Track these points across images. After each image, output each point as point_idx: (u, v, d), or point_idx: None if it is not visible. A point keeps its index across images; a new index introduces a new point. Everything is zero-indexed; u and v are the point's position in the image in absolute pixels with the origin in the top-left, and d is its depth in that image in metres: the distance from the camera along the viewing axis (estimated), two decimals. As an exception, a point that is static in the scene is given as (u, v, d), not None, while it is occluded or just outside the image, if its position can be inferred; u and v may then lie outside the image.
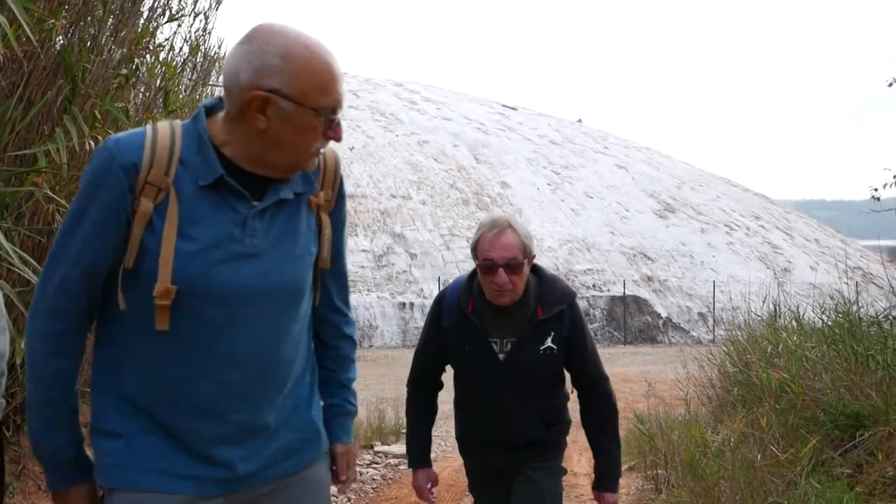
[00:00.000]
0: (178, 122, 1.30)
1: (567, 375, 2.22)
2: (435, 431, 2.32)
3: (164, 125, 1.28)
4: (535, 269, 2.14)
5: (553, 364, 2.10)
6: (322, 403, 1.47)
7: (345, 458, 1.50)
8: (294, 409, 1.37)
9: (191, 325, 1.24)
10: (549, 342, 2.06)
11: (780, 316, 6.03)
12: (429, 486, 2.18)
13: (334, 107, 1.27)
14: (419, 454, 2.20)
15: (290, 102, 1.23)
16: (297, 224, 1.35)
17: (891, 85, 6.10)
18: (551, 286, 2.11)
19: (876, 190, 6.31)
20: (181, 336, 1.24)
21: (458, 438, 2.28)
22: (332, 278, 1.49)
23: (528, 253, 2.02)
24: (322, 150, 1.38)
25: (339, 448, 1.49)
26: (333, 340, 1.51)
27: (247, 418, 1.29)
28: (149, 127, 1.27)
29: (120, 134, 1.28)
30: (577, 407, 2.19)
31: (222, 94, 1.29)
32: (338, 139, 1.31)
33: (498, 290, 2.00)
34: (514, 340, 2.06)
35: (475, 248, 2.04)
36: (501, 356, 2.06)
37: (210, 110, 1.31)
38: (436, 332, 2.15)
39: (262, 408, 1.31)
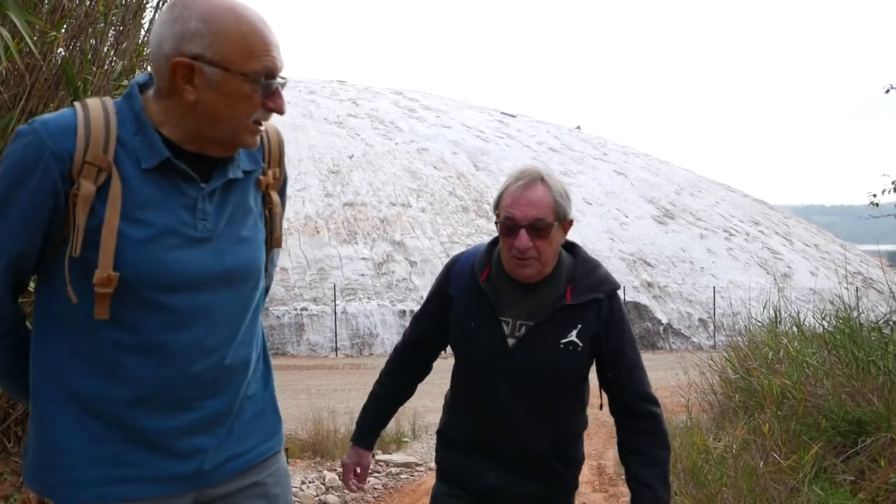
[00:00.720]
0: (109, 100, 1.20)
1: (595, 395, 1.77)
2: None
3: (94, 102, 1.18)
4: (573, 248, 1.77)
5: (575, 366, 1.67)
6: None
7: None
8: (255, 394, 1.34)
9: (148, 315, 1.17)
10: (573, 335, 1.65)
11: (780, 322, 6.03)
12: (357, 469, 1.82)
13: (268, 72, 1.17)
14: (362, 430, 1.85)
15: (215, 68, 1.15)
16: (247, 204, 1.29)
17: (888, 91, 6.13)
18: (590, 269, 1.72)
19: (875, 196, 6.32)
20: (140, 327, 1.17)
21: (439, 432, 1.84)
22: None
23: (561, 215, 1.63)
24: (264, 127, 1.30)
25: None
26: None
27: (215, 407, 1.24)
28: (78, 105, 1.17)
29: (47, 115, 1.17)
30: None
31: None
32: (279, 110, 1.22)
33: (519, 260, 1.62)
34: (531, 325, 1.66)
35: (497, 204, 1.67)
36: (511, 342, 1.66)
37: (143, 87, 1.22)
38: (438, 300, 1.78)
39: (230, 395, 1.26)
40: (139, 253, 1.14)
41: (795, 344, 4.94)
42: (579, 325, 1.67)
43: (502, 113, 35.82)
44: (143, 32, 3.67)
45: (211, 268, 1.21)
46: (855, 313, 4.86)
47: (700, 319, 22.37)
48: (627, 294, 21.84)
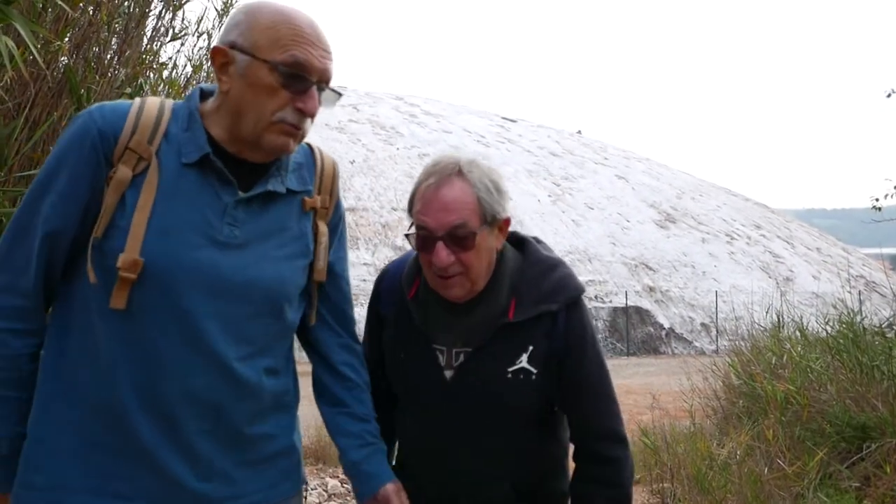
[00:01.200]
0: (169, 101, 1.21)
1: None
2: None
3: (154, 100, 1.20)
4: (525, 245, 1.43)
5: (529, 399, 1.35)
6: (344, 441, 1.32)
7: (397, 496, 1.30)
8: (271, 432, 1.23)
9: (153, 311, 1.10)
10: (522, 361, 1.34)
11: (783, 326, 6.02)
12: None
13: (295, 64, 1.13)
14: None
15: (244, 55, 1.13)
16: (287, 223, 1.23)
17: (889, 96, 6.14)
18: (541, 273, 1.38)
19: (877, 200, 6.32)
20: (145, 326, 1.10)
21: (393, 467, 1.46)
22: (331, 296, 1.33)
23: (489, 216, 1.31)
24: (315, 149, 1.28)
25: (390, 488, 1.30)
26: (340, 367, 1.35)
27: (209, 430, 1.14)
28: (138, 99, 1.19)
29: (106, 102, 1.19)
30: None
31: None
32: (307, 111, 1.15)
33: (442, 279, 1.31)
34: (469, 351, 1.35)
35: (410, 209, 1.36)
36: (448, 374, 1.37)
37: (207, 94, 1.23)
38: (374, 320, 1.49)
39: (230, 421, 1.16)
40: (156, 244, 1.11)
41: (799, 349, 4.93)
42: (530, 348, 1.34)
43: (503, 118, 35.88)
44: (145, 41, 3.69)
45: (231, 277, 1.14)
46: (858, 317, 4.86)
47: (702, 324, 22.33)
48: (629, 299, 21.83)
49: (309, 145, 1.34)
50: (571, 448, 1.46)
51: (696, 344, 21.41)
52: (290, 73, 1.13)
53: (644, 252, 24.73)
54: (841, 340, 4.43)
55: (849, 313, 4.95)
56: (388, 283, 1.48)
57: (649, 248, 25.07)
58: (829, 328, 4.95)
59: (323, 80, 1.17)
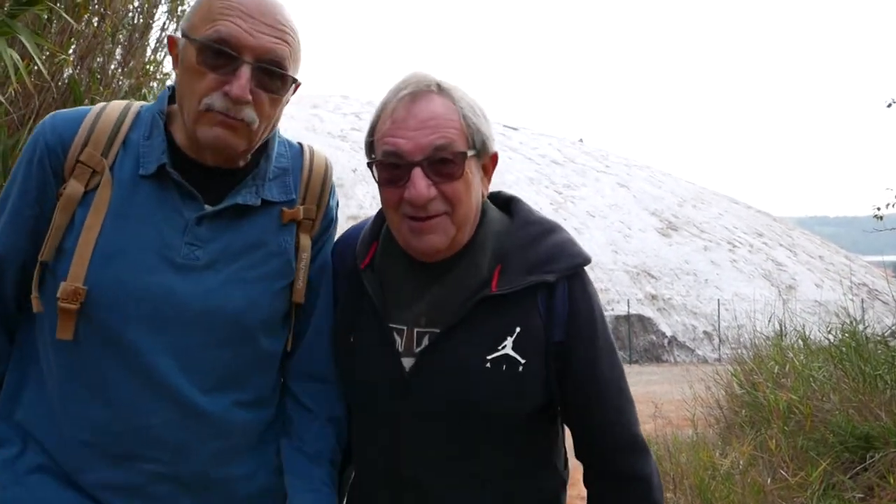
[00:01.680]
0: (139, 104, 1.08)
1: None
2: None
3: (118, 104, 1.07)
4: (512, 205, 1.15)
5: (515, 397, 1.03)
6: (291, 480, 1.12)
7: None
8: (246, 472, 1.08)
9: (104, 345, 0.98)
10: (506, 347, 1.02)
11: (785, 335, 6.01)
12: None
13: (219, 39, 0.96)
14: None
15: (182, 38, 1.01)
16: (264, 239, 1.07)
17: (889, 106, 6.18)
18: (532, 236, 1.08)
19: (878, 209, 6.32)
20: (92, 356, 0.98)
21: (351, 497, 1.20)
22: (308, 329, 1.13)
23: (478, 142, 1.04)
24: (306, 150, 1.13)
25: None
26: (302, 397, 1.15)
27: (168, 474, 1.01)
28: (101, 104, 1.07)
29: (66, 110, 1.07)
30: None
31: None
32: (233, 96, 0.97)
33: (417, 221, 1.01)
34: (437, 333, 1.04)
35: (371, 134, 1.07)
36: (408, 362, 1.05)
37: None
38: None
39: (193, 462, 1.02)
40: (106, 268, 0.98)
41: (801, 358, 4.92)
42: (517, 330, 1.01)
43: (505, 126, 35.96)
44: (149, 51, 3.71)
45: (188, 303, 1.00)
46: (861, 326, 4.85)
47: (705, 332, 22.28)
48: (632, 307, 21.79)
49: (301, 146, 1.19)
50: (571, 467, 1.18)
51: (699, 352, 21.35)
52: (213, 48, 0.97)
53: (646, 260, 24.71)
54: (843, 349, 4.42)
55: (851, 322, 4.94)
56: (340, 251, 1.17)
57: (651, 255, 25.05)
58: (831, 337, 4.94)
59: (260, 60, 0.98)
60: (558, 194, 28.07)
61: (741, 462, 3.63)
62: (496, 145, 1.09)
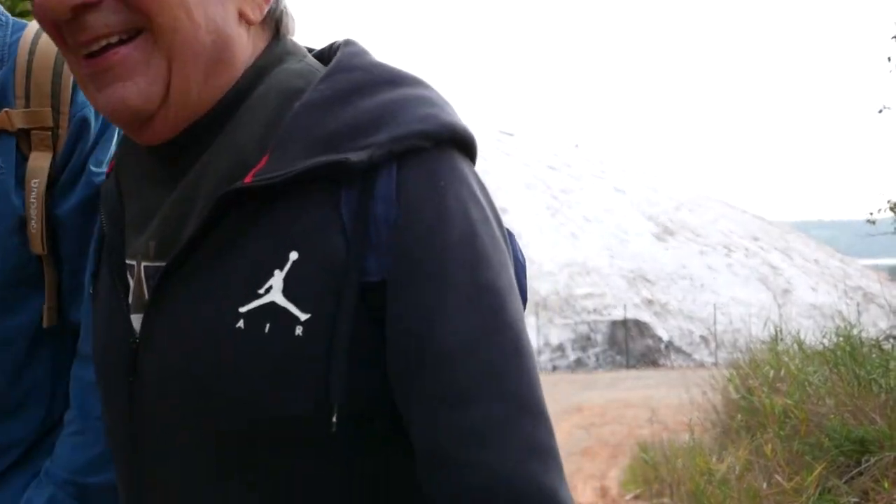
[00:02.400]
0: None
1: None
2: None
3: None
4: (335, 53, 0.64)
5: (293, 384, 0.55)
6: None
7: None
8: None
9: None
10: (273, 289, 0.55)
11: (781, 339, 6.03)
12: None
13: None
14: None
15: None
16: None
17: (881, 112, 6.24)
18: (344, 89, 0.58)
19: (871, 213, 6.36)
20: None
21: None
22: (69, 290, 0.82)
23: None
24: (36, 34, 0.80)
25: None
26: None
27: None
28: None
29: None
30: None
31: None
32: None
33: (89, 62, 0.56)
34: (164, 268, 0.59)
35: None
36: (137, 321, 0.62)
37: None
38: None
39: None
40: None
41: (797, 362, 4.94)
42: (292, 256, 0.56)
43: (501, 131, 36.06)
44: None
45: None
46: (855, 330, 4.87)
47: (701, 336, 22.32)
48: (628, 311, 21.83)
49: (22, 27, 0.84)
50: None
51: (696, 356, 21.38)
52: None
53: (642, 265, 24.76)
54: (838, 353, 4.44)
55: (846, 326, 4.96)
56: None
57: (647, 260, 25.11)
58: (826, 341, 4.97)
59: None
60: (554, 199, 28.14)
61: (737, 467, 3.64)
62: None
